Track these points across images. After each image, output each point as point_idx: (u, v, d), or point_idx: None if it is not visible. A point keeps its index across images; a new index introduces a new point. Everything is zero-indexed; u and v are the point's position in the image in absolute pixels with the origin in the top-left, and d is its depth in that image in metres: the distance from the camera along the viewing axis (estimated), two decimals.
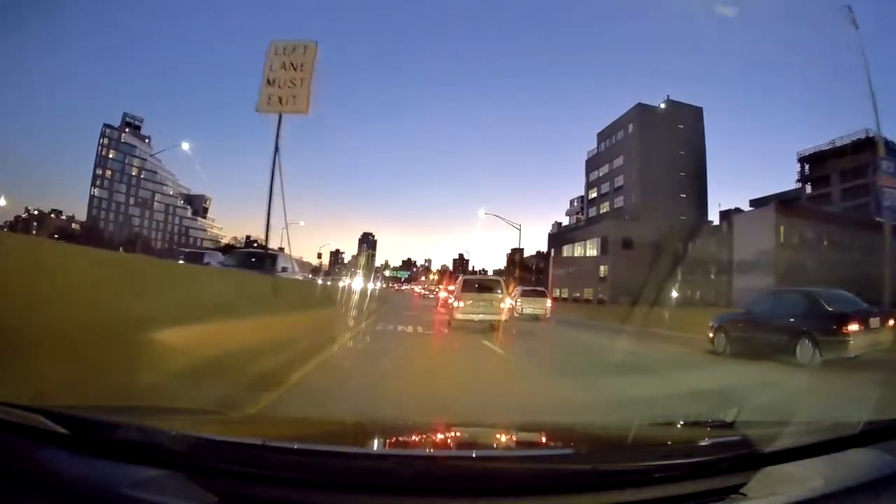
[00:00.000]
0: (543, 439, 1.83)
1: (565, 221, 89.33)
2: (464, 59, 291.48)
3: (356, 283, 37.07)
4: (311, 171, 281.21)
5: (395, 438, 1.74)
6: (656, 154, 55.28)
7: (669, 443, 1.62)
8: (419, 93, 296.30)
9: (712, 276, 47.62)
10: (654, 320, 20.24)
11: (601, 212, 61.56)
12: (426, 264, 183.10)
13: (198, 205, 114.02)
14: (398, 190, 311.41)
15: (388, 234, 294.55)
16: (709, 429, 1.81)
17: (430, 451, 1.58)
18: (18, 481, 1.05)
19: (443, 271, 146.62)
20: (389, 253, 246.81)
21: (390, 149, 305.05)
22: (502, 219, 41.77)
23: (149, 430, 1.21)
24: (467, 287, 14.80)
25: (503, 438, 1.84)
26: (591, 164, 65.38)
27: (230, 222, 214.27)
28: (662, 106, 58.93)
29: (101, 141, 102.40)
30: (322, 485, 1.06)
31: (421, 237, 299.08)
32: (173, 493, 1.01)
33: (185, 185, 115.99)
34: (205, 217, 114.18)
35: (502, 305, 14.20)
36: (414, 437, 1.77)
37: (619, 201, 58.76)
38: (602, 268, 53.27)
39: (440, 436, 1.81)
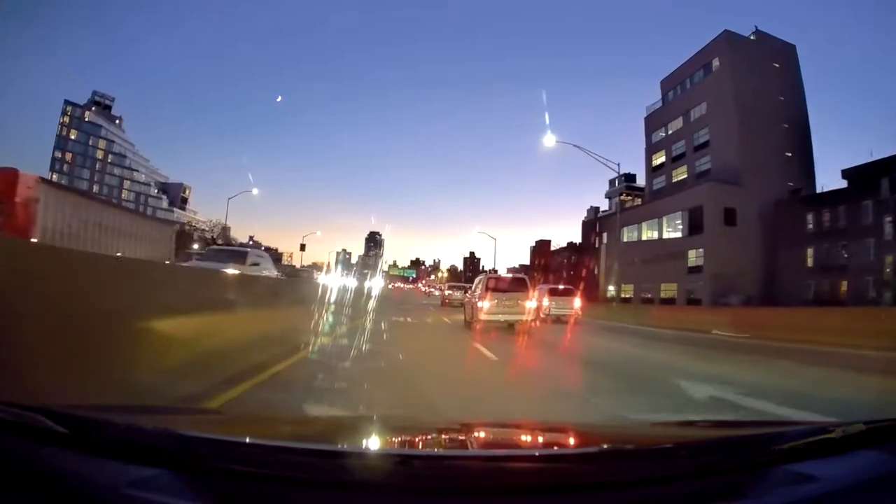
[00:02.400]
0: (543, 439, 1.79)
1: (604, 206, 73.67)
2: (479, 57, 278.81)
3: (339, 281, 27.05)
4: (323, 171, 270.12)
5: (394, 437, 1.69)
6: (753, 98, 39.84)
7: (669, 443, 1.54)
8: (429, 93, 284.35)
9: (871, 261, 31.76)
10: (803, 328, 12.06)
11: (674, 180, 45.98)
12: (435, 264, 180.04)
13: (175, 194, 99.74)
14: (409, 192, 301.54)
15: (398, 236, 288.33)
16: (709, 429, 1.84)
17: (430, 450, 1.51)
18: (18, 481, 1.04)
19: (452, 271, 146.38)
20: (398, 253, 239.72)
21: (403, 151, 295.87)
22: (587, 152, 26.25)
23: (149, 429, 1.20)
24: (491, 286, 13.72)
25: (503, 437, 1.81)
26: (655, 121, 49.79)
27: (212, 212, 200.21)
28: (752, 37, 43.46)
29: (62, 119, 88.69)
30: (322, 484, 1.05)
31: (430, 238, 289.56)
32: (173, 492, 1.00)
33: (163, 173, 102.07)
34: (183, 208, 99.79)
35: (527, 305, 13.39)
36: (414, 437, 1.70)
37: (703, 163, 43.09)
38: (693, 253, 37.62)
39: (440, 435, 1.75)
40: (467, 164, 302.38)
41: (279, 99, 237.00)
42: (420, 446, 1.55)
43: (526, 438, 1.79)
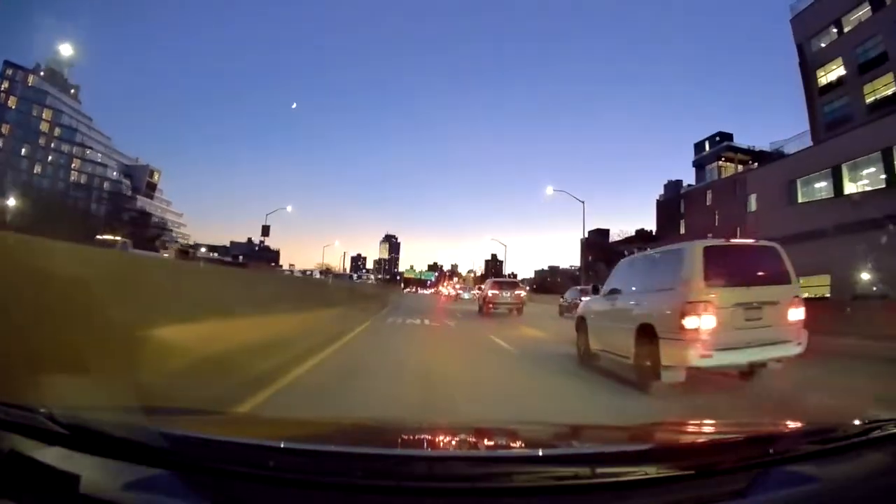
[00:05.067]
0: (544, 440, 1.78)
1: (689, 179, 54.90)
2: (498, 59, 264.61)
3: None
4: (339, 175, 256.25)
5: (395, 438, 1.68)
6: None
7: (669, 443, 1.58)
8: (446, 97, 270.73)
9: None
10: None
11: (868, 100, 27.15)
12: (452, 269, 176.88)
13: (140, 178, 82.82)
14: (427, 198, 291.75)
15: (415, 241, 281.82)
16: (709, 429, 1.86)
17: (430, 451, 1.51)
18: (18, 481, 1.04)
19: (472, 273, 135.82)
20: (415, 258, 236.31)
21: (420, 157, 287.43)
22: None
23: (149, 429, 1.19)
24: (723, 271, 5.58)
25: (503, 439, 1.79)
26: (814, 18, 30.94)
27: (189, 205, 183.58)
28: None
29: (1, 85, 72.44)
30: (322, 485, 1.06)
31: (447, 245, 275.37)
32: (173, 493, 1.01)
33: (129, 155, 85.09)
34: (150, 196, 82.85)
35: (790, 316, 5.65)
36: (414, 438, 1.71)
37: None
38: None
39: (440, 436, 1.78)
40: (485, 169, 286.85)
41: (294, 105, 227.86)
42: (419, 448, 1.53)
43: (525, 439, 1.75)
